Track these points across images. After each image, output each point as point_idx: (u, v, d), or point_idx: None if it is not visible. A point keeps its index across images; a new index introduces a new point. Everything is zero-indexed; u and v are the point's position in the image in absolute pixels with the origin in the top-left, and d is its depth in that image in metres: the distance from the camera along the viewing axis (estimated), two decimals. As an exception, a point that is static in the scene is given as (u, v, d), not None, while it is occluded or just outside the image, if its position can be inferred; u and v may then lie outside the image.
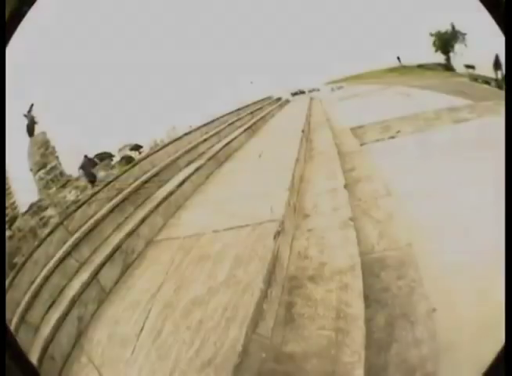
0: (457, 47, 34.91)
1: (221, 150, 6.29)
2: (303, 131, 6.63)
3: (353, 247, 2.38)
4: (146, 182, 4.58)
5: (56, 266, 3.02)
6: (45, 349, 2.27)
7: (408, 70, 31.42)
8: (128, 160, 5.58)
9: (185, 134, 7.78)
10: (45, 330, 2.43)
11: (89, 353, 2.15)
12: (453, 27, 35.07)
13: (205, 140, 7.12)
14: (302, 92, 29.02)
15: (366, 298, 1.98)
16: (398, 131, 6.95)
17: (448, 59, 34.79)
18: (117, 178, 4.92)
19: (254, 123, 9.54)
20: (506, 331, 0.86)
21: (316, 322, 1.66)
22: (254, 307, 1.62)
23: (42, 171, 12.01)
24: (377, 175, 4.30)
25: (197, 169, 5.05)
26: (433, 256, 2.54)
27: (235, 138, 7.36)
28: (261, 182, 3.87)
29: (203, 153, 6.39)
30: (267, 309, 1.68)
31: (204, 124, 9.07)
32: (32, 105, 13.63)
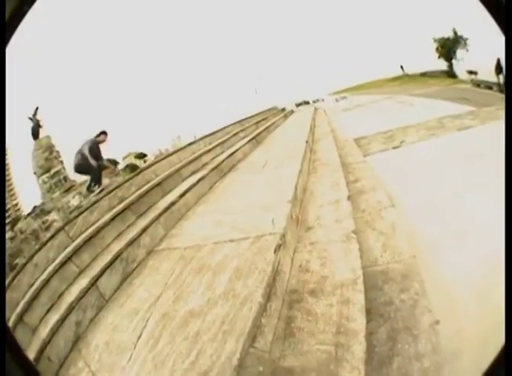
0: (459, 53, 35.21)
1: (224, 160, 6.29)
2: (307, 142, 6.65)
3: (355, 260, 2.36)
4: (148, 191, 4.57)
5: (56, 271, 3.04)
6: (42, 350, 2.30)
7: (411, 79, 31.60)
8: (132, 168, 5.63)
9: (189, 144, 7.80)
10: (43, 332, 2.45)
11: (86, 358, 2.16)
12: (455, 33, 35.40)
13: (209, 150, 7.10)
14: (306, 103, 29.32)
15: (368, 312, 1.96)
16: (402, 141, 6.98)
17: (450, 65, 35.04)
18: (119, 186, 4.92)
19: (258, 134, 9.55)
20: (506, 331, 0.86)
21: (316, 336, 1.64)
22: (252, 321, 1.61)
23: (46, 175, 12.08)
24: (381, 186, 4.29)
25: (200, 179, 5.05)
26: (437, 267, 2.53)
27: (239, 148, 7.34)
28: (264, 193, 3.85)
29: (207, 163, 6.40)
30: (266, 323, 1.66)
31: (208, 134, 9.12)
32: (37, 108, 13.82)
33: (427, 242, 2.92)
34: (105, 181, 6.40)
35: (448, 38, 36.02)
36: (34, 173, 12.48)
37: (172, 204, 4.15)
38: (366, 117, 11.92)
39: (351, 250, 2.49)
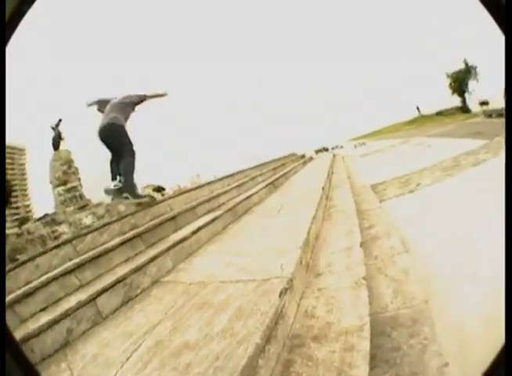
0: (471, 84, 35.04)
1: (240, 202, 6.39)
2: (323, 188, 6.79)
3: (364, 307, 2.35)
4: (161, 223, 4.68)
5: (57, 278, 3.14)
6: (26, 340, 2.36)
7: (427, 120, 31.90)
8: (150, 203, 5.83)
9: (208, 183, 8.07)
10: (32, 326, 2.52)
11: (71, 363, 2.21)
12: (466, 63, 35.54)
13: (226, 192, 7.26)
14: (326, 150, 29.93)
15: (374, 358, 1.94)
16: (418, 184, 7.01)
17: (464, 100, 34.86)
18: (134, 213, 5.06)
19: (276, 179, 9.73)
20: (506, 331, 0.86)
21: (315, 382, 1.66)
22: (246, 360, 1.60)
23: (62, 187, 12.31)
24: (395, 232, 4.28)
25: (214, 219, 5.13)
26: (449, 310, 2.49)
27: (255, 192, 7.47)
28: (277, 238, 3.89)
29: (223, 204, 6.51)
30: (263, 365, 1.65)
31: (227, 176, 9.40)
32: (60, 120, 14.47)
33: (441, 285, 2.89)
34: (121, 207, 6.62)
35: (459, 71, 36.09)
36: (50, 182, 12.78)
37: (184, 239, 4.21)
38: (384, 162, 12.02)
39: (359, 297, 2.50)
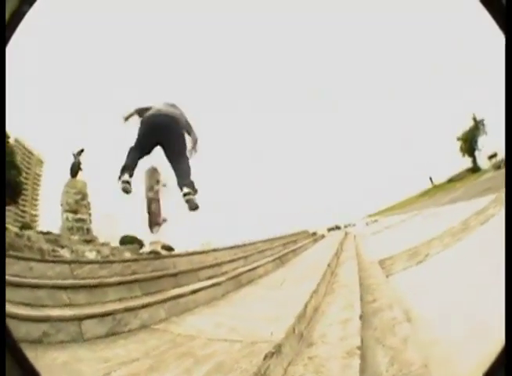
0: (480, 141, 34.17)
1: (244, 273, 6.38)
2: (329, 265, 6.80)
3: (354, 375, 2.34)
4: (162, 276, 4.73)
5: (47, 287, 3.17)
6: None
7: (439, 189, 31.45)
8: (154, 256, 5.87)
9: (214, 250, 8.09)
10: (10, 309, 2.50)
11: (38, 360, 2.19)
12: (475, 119, 35.00)
13: (232, 261, 7.30)
14: (338, 228, 29.79)
15: None
16: (427, 255, 6.92)
17: (474, 160, 34.00)
18: (136, 260, 5.12)
19: (285, 254, 9.67)
20: (506, 331, 0.88)
21: None
22: None
23: (71, 215, 12.01)
24: (399, 304, 4.22)
25: (215, 284, 5.14)
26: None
27: (261, 265, 7.43)
28: (273, 307, 3.89)
29: (227, 272, 6.47)
30: None
31: (235, 246, 9.43)
32: (82, 150, 14.51)
33: (443, 349, 2.81)
34: (126, 254, 6.56)
35: (468, 130, 35.31)
36: (61, 205, 12.49)
37: (181, 295, 4.24)
38: (394, 237, 11.95)
39: (350, 366, 2.42)
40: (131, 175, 4.70)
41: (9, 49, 1.08)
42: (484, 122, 34.95)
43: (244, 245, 10.36)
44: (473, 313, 3.30)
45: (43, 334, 2.68)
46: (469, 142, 35.17)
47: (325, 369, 2.42)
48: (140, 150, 4.89)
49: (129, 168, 4.71)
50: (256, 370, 2.03)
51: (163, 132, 4.72)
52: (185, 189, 4.69)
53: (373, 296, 4.91)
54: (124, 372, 2.23)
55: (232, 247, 9.37)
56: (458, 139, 36.77)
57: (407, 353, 2.81)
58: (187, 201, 4.70)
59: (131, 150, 4.81)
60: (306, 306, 3.70)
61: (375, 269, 7.08)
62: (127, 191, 4.62)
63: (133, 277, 4.40)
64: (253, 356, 2.25)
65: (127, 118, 5.31)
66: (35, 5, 1.14)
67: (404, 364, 2.61)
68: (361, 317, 3.61)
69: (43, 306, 3.13)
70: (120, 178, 4.61)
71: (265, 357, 2.21)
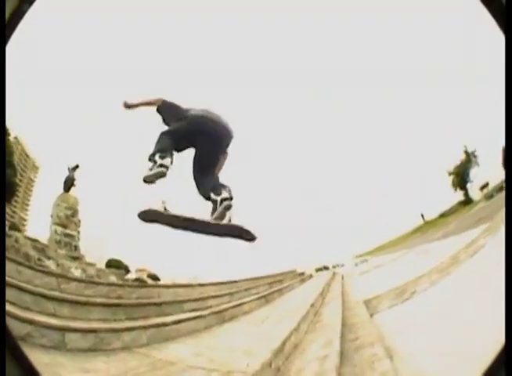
0: (472, 172, 33.47)
1: (228, 309, 6.36)
2: (312, 305, 6.78)
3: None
4: (146, 305, 4.81)
5: (34, 294, 3.31)
6: None
7: (430, 225, 30.63)
8: (140, 284, 5.91)
9: (200, 285, 8.07)
10: None
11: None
12: (466, 152, 34.27)
13: (217, 296, 7.34)
14: (326, 268, 29.21)
15: None
16: (414, 292, 6.84)
17: (466, 193, 33.16)
18: (122, 286, 5.17)
19: (270, 293, 9.62)
20: (506, 331, 0.86)
21: None
22: None
23: (60, 228, 11.51)
24: (381, 341, 4.19)
25: (198, 317, 5.18)
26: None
27: (245, 303, 7.40)
28: (253, 342, 3.91)
29: (211, 306, 6.50)
30: None
31: (221, 283, 9.40)
32: (77, 166, 13.95)
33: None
34: (111, 277, 6.51)
35: (460, 163, 34.91)
36: (51, 216, 11.96)
37: (164, 325, 4.31)
38: (382, 276, 11.82)
39: None
40: (170, 162, 3.81)
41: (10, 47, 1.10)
42: (476, 153, 34.43)
43: (230, 282, 10.27)
44: (458, 349, 3.29)
45: (27, 334, 2.74)
46: (460, 176, 34.87)
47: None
48: (174, 142, 4.06)
49: (165, 151, 3.84)
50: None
51: (216, 142, 4.04)
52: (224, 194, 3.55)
53: (355, 334, 4.86)
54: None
55: (218, 283, 9.33)
56: (450, 173, 36.38)
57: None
58: (226, 207, 3.52)
59: (164, 136, 4.03)
60: (284, 343, 3.72)
61: (360, 309, 7.01)
62: (162, 175, 3.68)
63: (118, 301, 4.53)
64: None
65: (130, 107, 4.36)
66: (35, 4, 1.17)
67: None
68: (339, 354, 3.59)
69: (28, 309, 3.23)
70: (152, 159, 3.73)
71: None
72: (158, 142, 4.04)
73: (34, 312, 3.26)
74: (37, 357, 2.47)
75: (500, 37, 1.02)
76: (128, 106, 4.40)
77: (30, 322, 2.88)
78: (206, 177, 4.17)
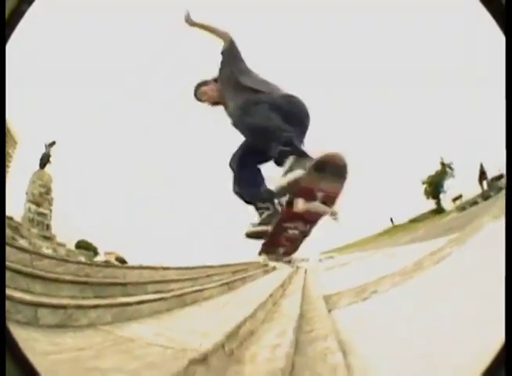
0: (446, 184, 33.15)
1: (189, 293, 6.43)
2: (271, 295, 6.84)
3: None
4: (112, 284, 4.95)
5: (10, 269, 3.42)
6: None
7: (399, 229, 30.83)
8: (107, 264, 6.07)
9: (163, 268, 8.11)
10: None
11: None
12: (442, 164, 33.83)
13: (179, 280, 7.49)
14: (290, 262, 29.47)
15: None
16: (374, 292, 6.97)
17: (438, 201, 32.86)
18: (91, 265, 5.28)
19: (233, 281, 9.72)
20: (506, 331, 0.84)
21: None
22: None
23: (34, 207, 11.34)
24: (335, 335, 4.25)
25: (161, 299, 5.26)
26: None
27: (207, 288, 7.47)
28: (210, 325, 3.94)
29: (173, 290, 6.62)
30: None
31: (185, 268, 9.42)
32: (54, 142, 13.47)
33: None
34: (81, 257, 6.67)
35: (435, 173, 34.40)
36: (26, 193, 11.71)
37: (128, 304, 4.42)
38: (346, 274, 12.04)
39: None
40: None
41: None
42: (452, 166, 33.51)
43: (194, 268, 10.25)
44: (413, 352, 3.36)
45: (6, 311, 2.74)
46: (434, 186, 34.21)
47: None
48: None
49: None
50: (181, 370, 2.22)
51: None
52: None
53: (311, 327, 4.96)
54: (70, 356, 2.48)
55: (181, 268, 9.33)
56: (423, 182, 35.41)
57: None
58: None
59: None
60: (239, 327, 3.78)
61: (319, 303, 7.13)
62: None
63: (85, 279, 4.59)
64: (180, 359, 2.44)
65: (192, 24, 3.42)
66: (34, 3, 1.15)
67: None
68: (293, 344, 3.65)
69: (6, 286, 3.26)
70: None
71: (190, 362, 2.36)
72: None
73: (10, 289, 3.36)
74: (17, 334, 2.46)
75: (500, 38, 1.00)
76: (190, 21, 3.45)
77: (9, 298, 2.98)
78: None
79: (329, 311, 6.19)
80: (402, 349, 3.44)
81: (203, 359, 2.53)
